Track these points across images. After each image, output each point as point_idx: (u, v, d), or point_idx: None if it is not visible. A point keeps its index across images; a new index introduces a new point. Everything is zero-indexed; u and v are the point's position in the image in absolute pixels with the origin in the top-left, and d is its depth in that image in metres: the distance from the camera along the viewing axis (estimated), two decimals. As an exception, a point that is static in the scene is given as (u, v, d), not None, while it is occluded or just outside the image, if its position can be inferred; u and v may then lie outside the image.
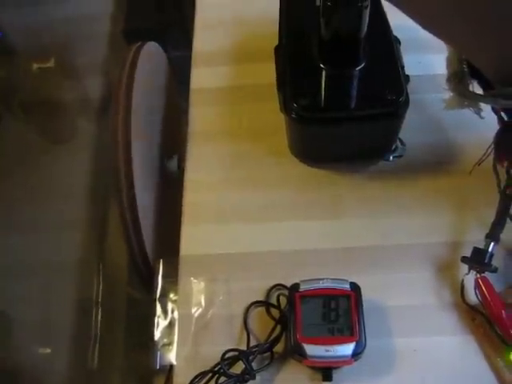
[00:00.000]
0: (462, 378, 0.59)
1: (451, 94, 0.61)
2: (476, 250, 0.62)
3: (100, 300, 0.96)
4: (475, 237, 0.63)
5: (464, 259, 0.62)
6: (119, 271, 0.97)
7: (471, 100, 0.60)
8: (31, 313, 0.90)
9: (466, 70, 0.58)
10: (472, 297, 0.61)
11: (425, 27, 0.52)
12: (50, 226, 1.03)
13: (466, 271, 0.62)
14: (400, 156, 0.72)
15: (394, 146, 0.71)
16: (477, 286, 0.60)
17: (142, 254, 0.74)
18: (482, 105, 0.62)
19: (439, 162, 0.72)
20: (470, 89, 0.58)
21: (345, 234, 0.68)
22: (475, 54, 0.53)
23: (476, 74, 0.57)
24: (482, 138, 0.70)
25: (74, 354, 0.91)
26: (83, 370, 0.92)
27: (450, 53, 0.62)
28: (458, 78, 0.58)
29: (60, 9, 1.43)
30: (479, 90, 0.59)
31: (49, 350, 0.91)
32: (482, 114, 0.63)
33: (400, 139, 0.72)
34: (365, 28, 0.61)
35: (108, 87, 1.27)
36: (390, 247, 0.66)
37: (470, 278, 0.61)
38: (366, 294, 0.59)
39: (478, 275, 0.61)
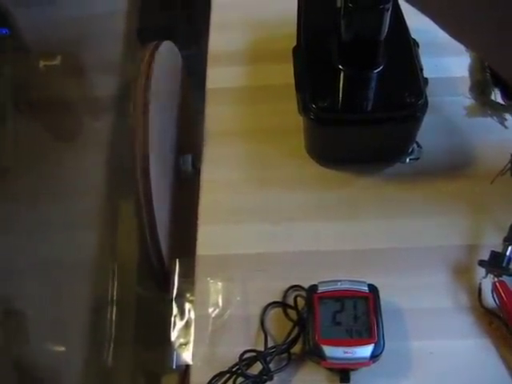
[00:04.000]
0: (479, 382, 0.59)
1: (473, 102, 0.61)
2: (494, 254, 0.62)
3: (114, 299, 0.96)
4: (493, 240, 0.64)
5: (482, 263, 0.62)
6: (133, 270, 0.98)
7: (496, 110, 0.60)
8: (46, 311, 0.90)
9: (488, 78, 0.58)
10: (489, 300, 0.61)
11: (447, 31, 0.52)
12: (64, 224, 1.03)
13: (484, 275, 0.62)
14: (417, 159, 0.72)
15: (410, 149, 0.71)
16: (494, 289, 0.60)
17: (156, 253, 0.74)
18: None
19: (456, 164, 0.72)
20: (493, 97, 0.58)
21: (361, 236, 0.68)
22: (500, 61, 0.53)
23: (499, 82, 0.57)
24: (498, 142, 0.71)
25: (88, 352, 0.91)
26: (97, 368, 0.92)
27: (473, 61, 0.62)
28: (481, 87, 0.58)
29: (72, 7, 1.43)
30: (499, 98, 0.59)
31: (63, 348, 0.91)
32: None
33: (417, 142, 0.72)
34: (385, 30, 0.61)
35: (120, 85, 1.27)
36: (406, 249, 0.66)
37: (487, 282, 0.62)
38: (382, 297, 0.59)
39: (496, 279, 0.61)
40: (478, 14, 0.43)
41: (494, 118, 0.62)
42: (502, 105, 0.57)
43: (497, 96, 0.60)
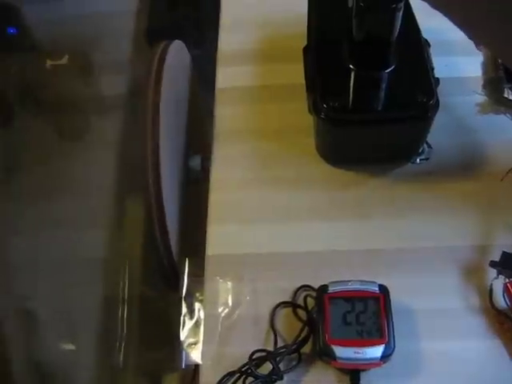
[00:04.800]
0: (490, 382, 0.58)
1: (485, 99, 0.61)
2: (505, 255, 0.61)
3: (123, 298, 0.96)
4: (504, 241, 0.63)
5: (493, 264, 0.62)
6: (142, 269, 0.98)
7: (509, 108, 0.60)
8: (56, 310, 0.90)
9: (502, 75, 0.58)
10: (500, 301, 0.61)
11: (457, 24, 0.51)
12: (73, 223, 1.03)
13: (495, 275, 0.62)
14: (427, 159, 0.72)
15: (421, 149, 0.71)
16: (505, 290, 0.60)
17: (166, 252, 0.74)
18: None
19: (466, 165, 0.72)
20: (506, 93, 0.58)
21: (371, 236, 0.67)
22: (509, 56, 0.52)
23: (512, 78, 0.56)
24: (509, 142, 0.70)
25: (98, 351, 0.91)
26: (106, 366, 0.93)
27: (486, 58, 0.62)
28: (494, 84, 0.58)
29: (81, 6, 1.44)
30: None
31: (73, 347, 0.91)
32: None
33: (427, 142, 0.71)
34: (397, 30, 0.61)
35: (128, 85, 1.27)
36: (416, 250, 0.66)
37: (498, 283, 0.61)
38: (393, 297, 0.59)
39: (507, 280, 0.60)
40: (481, 7, 0.43)
41: (508, 115, 0.62)
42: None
43: (510, 93, 0.60)
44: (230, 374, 0.58)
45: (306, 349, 0.60)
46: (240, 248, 0.67)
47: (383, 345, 0.56)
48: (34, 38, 1.47)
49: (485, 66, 0.62)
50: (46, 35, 1.46)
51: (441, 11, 0.50)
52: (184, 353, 0.63)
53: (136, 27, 1.48)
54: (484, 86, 0.61)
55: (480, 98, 0.64)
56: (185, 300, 0.66)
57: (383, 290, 0.59)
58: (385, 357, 0.56)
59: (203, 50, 0.98)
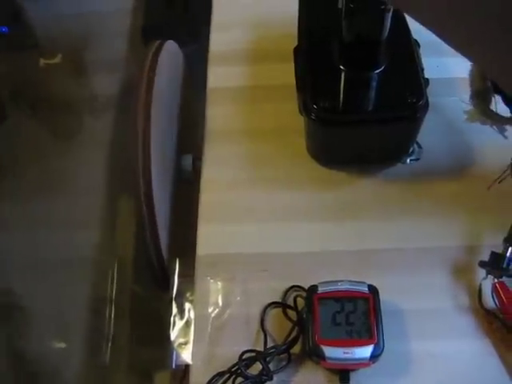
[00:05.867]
0: (479, 382, 0.59)
1: (473, 108, 0.62)
2: (494, 255, 0.62)
3: (113, 298, 0.96)
4: (493, 241, 0.63)
5: (482, 264, 0.62)
6: (132, 269, 0.98)
7: (496, 121, 0.60)
8: (45, 309, 0.90)
9: (489, 86, 0.58)
10: (489, 301, 0.61)
11: (447, 43, 0.51)
12: (63, 223, 1.03)
13: (484, 275, 0.62)
14: (417, 159, 0.72)
15: (411, 149, 0.71)
16: (494, 290, 0.60)
17: (156, 252, 0.74)
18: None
19: (456, 165, 0.72)
20: (493, 104, 0.58)
21: (361, 236, 0.68)
22: (498, 73, 0.52)
23: (500, 89, 0.57)
24: (499, 143, 0.71)
25: (87, 350, 0.91)
26: (96, 365, 0.93)
27: (473, 69, 0.62)
28: (481, 95, 0.59)
29: (76, 4, 1.43)
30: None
31: (63, 345, 0.91)
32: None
33: (417, 142, 0.72)
34: (386, 31, 0.61)
35: (122, 84, 1.27)
36: (406, 250, 0.66)
37: (487, 283, 0.62)
38: (382, 297, 0.59)
39: (496, 280, 0.61)
40: (474, 27, 0.43)
41: (494, 127, 0.63)
42: (501, 116, 0.57)
43: (497, 104, 0.60)
44: (220, 374, 0.58)
45: (296, 349, 0.60)
46: (230, 248, 0.67)
47: (372, 345, 0.56)
48: (27, 36, 1.47)
49: (472, 76, 0.62)
50: (39, 34, 1.46)
51: (429, 28, 0.50)
52: (174, 353, 0.63)
53: (131, 26, 1.47)
54: (471, 97, 0.61)
55: (468, 105, 0.65)
56: (175, 300, 0.66)
57: (372, 290, 0.59)
58: (374, 357, 0.56)
59: (199, 48, 0.97)
